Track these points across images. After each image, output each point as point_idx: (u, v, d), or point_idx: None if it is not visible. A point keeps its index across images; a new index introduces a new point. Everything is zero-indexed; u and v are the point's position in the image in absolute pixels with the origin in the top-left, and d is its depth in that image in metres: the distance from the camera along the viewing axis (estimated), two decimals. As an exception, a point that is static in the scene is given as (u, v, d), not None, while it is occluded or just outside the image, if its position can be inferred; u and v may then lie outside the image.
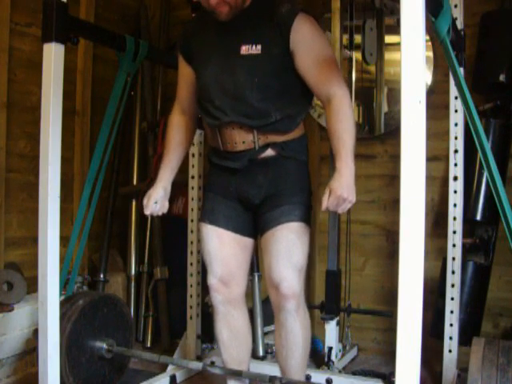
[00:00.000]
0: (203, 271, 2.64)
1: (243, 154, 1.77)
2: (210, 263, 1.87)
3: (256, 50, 1.69)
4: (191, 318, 2.65)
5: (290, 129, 1.76)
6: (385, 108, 2.92)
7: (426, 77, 2.69)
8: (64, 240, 2.02)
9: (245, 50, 1.70)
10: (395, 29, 2.80)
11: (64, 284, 2.13)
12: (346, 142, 1.58)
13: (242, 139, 1.75)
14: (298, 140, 1.81)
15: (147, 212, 1.90)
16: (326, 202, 1.54)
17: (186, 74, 1.91)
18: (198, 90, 1.87)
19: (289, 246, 1.72)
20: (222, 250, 1.85)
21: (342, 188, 1.53)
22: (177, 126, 1.97)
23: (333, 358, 2.55)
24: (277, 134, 1.75)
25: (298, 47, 1.68)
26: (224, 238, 1.85)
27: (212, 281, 1.86)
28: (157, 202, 1.90)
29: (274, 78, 1.71)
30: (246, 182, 1.80)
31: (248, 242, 1.89)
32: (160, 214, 1.94)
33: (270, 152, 1.77)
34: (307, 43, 1.68)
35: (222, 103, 1.75)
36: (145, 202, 1.90)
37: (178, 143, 1.96)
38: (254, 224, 1.87)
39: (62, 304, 1.97)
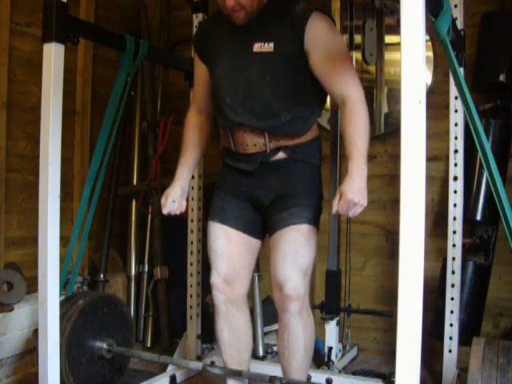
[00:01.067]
0: (203, 271, 2.65)
1: (255, 156, 1.77)
2: (215, 261, 1.86)
3: (268, 47, 1.69)
4: (191, 318, 2.65)
5: (301, 132, 1.76)
6: (385, 108, 2.92)
7: (425, 77, 2.69)
8: (64, 240, 2.01)
9: (257, 47, 1.70)
10: (395, 29, 2.80)
11: (64, 284, 2.13)
12: (358, 145, 1.57)
13: (253, 142, 1.75)
14: (310, 143, 1.80)
15: (165, 211, 1.89)
16: (337, 206, 1.52)
17: (201, 72, 1.91)
18: (211, 89, 1.87)
19: (296, 247, 1.72)
20: (229, 249, 1.84)
21: (353, 192, 1.51)
22: (193, 126, 1.97)
23: (333, 358, 2.55)
24: (288, 138, 1.74)
25: (312, 45, 1.66)
26: (232, 237, 1.85)
27: (215, 280, 1.86)
28: (175, 200, 1.88)
29: (286, 77, 1.70)
30: (258, 184, 1.81)
31: (255, 243, 1.89)
32: (178, 213, 1.92)
33: (281, 155, 1.77)
34: (322, 41, 1.67)
35: (232, 101, 1.74)
36: (162, 201, 1.89)
37: (195, 143, 1.96)
38: (263, 226, 1.87)
39: (62, 304, 1.97)
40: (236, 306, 1.89)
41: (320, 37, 1.67)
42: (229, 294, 1.86)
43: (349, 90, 1.64)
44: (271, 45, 1.69)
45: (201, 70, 1.91)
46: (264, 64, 1.70)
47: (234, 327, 1.90)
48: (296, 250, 1.72)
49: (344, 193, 1.52)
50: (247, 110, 1.72)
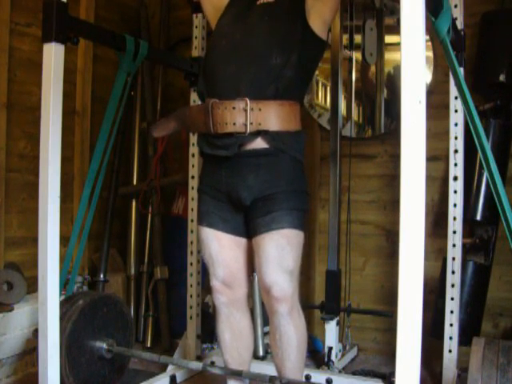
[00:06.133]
0: (203, 271, 2.64)
1: (233, 139, 1.71)
2: (212, 266, 1.86)
3: None
4: (191, 318, 2.65)
5: (289, 97, 1.72)
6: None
7: (425, 77, 2.69)
8: (64, 240, 2.01)
9: (260, 1, 1.82)
10: (395, 29, 2.80)
11: (64, 284, 2.13)
12: None
13: (233, 120, 1.68)
14: (293, 135, 1.75)
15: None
16: None
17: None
18: (211, 38, 1.94)
19: (279, 250, 1.71)
20: (223, 252, 1.84)
21: None
22: None
23: (333, 357, 2.55)
24: (271, 108, 1.69)
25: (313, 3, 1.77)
26: (223, 240, 1.84)
27: (215, 283, 1.86)
28: None
29: (282, 25, 1.76)
30: (237, 183, 1.76)
31: (246, 242, 1.87)
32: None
33: (260, 143, 1.71)
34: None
35: (227, 50, 1.79)
36: None
37: None
38: (246, 225, 1.85)
39: (62, 304, 1.97)
40: (237, 307, 1.89)
41: None
42: (229, 295, 1.87)
43: None
44: None
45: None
46: (264, 10, 1.80)
47: (235, 328, 1.90)
48: (279, 252, 1.71)
49: None
50: (241, 53, 1.74)
